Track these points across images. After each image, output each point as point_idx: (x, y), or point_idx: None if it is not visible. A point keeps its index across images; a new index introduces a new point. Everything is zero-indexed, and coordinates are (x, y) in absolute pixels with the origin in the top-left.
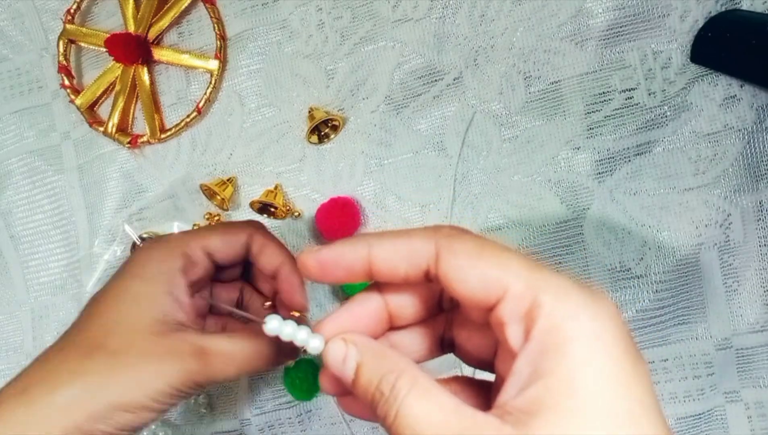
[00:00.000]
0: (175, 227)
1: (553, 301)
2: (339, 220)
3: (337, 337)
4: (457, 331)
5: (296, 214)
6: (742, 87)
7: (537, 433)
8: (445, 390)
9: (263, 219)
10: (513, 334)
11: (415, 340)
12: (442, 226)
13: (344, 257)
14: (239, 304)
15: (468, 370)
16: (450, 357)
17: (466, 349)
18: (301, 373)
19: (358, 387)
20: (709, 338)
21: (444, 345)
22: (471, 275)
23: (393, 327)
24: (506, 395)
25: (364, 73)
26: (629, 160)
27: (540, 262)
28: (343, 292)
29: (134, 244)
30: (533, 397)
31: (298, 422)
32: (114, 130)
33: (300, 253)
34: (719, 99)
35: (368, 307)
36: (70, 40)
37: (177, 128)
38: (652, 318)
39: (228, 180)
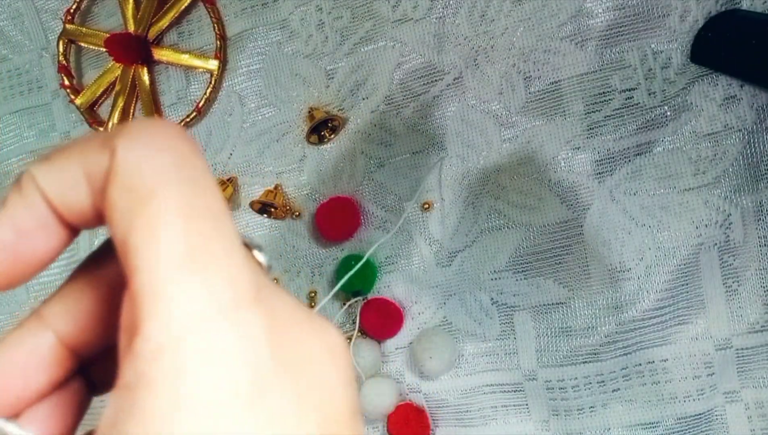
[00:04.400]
0: None
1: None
2: (339, 220)
3: None
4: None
5: (296, 214)
6: (742, 87)
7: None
8: None
9: (263, 219)
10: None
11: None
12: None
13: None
14: None
15: None
16: None
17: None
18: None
19: None
20: (708, 338)
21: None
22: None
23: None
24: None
25: (364, 73)
26: (629, 160)
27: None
28: (343, 291)
29: None
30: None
31: None
32: None
33: None
34: (719, 99)
35: (31, 349)
36: (69, 40)
37: None
38: (652, 318)
39: (228, 180)
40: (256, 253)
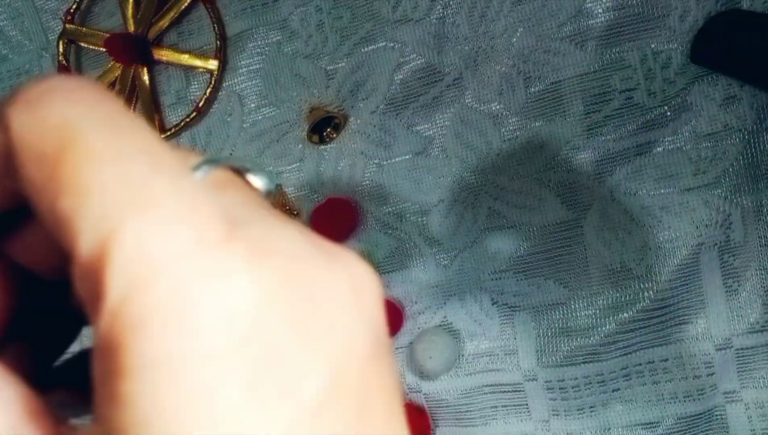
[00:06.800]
0: None
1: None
2: (336, 221)
3: None
4: None
5: (295, 212)
6: (742, 87)
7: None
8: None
9: None
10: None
11: None
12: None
13: None
14: None
15: None
16: None
17: None
18: None
19: None
20: (709, 338)
21: None
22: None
23: None
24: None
25: (363, 74)
26: (629, 160)
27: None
28: None
29: None
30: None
31: None
32: None
33: None
34: (719, 99)
35: None
36: (69, 40)
37: (177, 128)
38: (652, 318)
39: None
40: (250, 177)
